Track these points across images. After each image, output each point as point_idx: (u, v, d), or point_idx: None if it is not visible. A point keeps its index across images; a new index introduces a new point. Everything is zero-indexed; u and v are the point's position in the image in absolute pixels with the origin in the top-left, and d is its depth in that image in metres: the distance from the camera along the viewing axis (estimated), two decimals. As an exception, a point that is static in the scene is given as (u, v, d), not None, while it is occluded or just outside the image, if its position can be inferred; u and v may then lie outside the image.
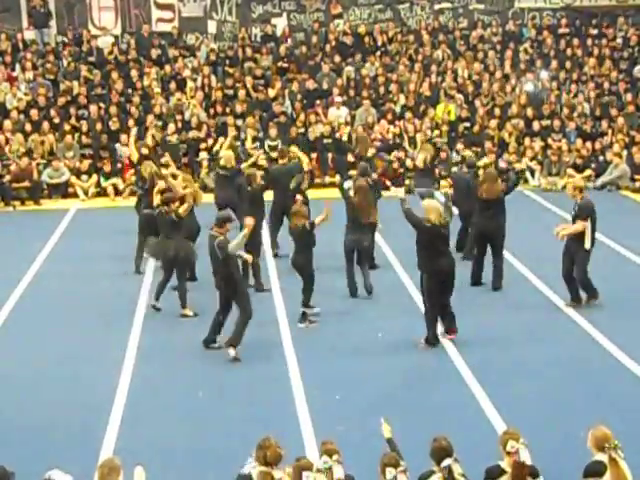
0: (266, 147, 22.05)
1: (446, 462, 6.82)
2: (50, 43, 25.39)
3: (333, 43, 25.89)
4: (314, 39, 26.02)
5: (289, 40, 26.09)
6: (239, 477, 7.01)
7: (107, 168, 21.50)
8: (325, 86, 24.30)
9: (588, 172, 21.82)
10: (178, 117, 22.73)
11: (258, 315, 12.25)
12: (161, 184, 14.42)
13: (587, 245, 13.10)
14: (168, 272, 13.73)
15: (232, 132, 21.10)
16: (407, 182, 20.39)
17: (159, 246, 13.97)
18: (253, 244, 13.64)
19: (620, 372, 11.33)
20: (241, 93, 23.71)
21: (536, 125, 23.05)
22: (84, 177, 21.43)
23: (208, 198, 16.62)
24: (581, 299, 13.53)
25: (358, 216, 14.15)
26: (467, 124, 23.28)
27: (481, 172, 15.95)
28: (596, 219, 13.26)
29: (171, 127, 22.10)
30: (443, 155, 21.32)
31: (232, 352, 11.80)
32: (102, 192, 21.37)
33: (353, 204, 14.16)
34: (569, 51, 25.94)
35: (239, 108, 23.28)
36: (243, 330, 11.85)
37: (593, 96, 24.35)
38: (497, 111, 23.47)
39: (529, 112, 23.39)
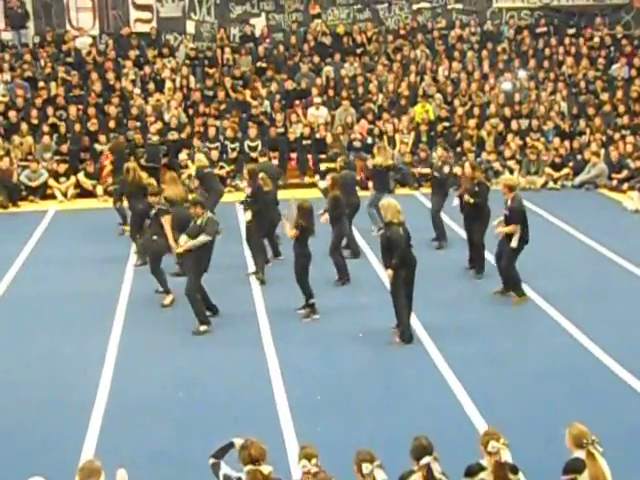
0: (246, 148, 22.07)
1: (425, 460, 6.82)
2: (28, 44, 25.25)
3: (312, 43, 25.91)
4: (293, 39, 26.03)
5: (268, 40, 26.09)
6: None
7: (90, 169, 21.39)
8: (304, 86, 24.31)
9: (566, 171, 21.96)
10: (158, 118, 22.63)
11: (238, 310, 12.52)
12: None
13: (513, 244, 13.67)
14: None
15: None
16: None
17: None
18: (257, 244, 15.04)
19: (601, 371, 11.38)
20: (220, 94, 23.69)
21: (514, 124, 23.15)
22: (62, 179, 21.30)
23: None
24: (509, 289, 14.04)
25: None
26: (446, 124, 23.36)
27: None
28: (526, 220, 13.81)
29: (153, 127, 21.95)
30: (423, 155, 21.36)
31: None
32: (82, 193, 21.25)
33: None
34: (547, 50, 26.08)
35: (218, 109, 23.23)
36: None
37: (570, 95, 24.47)
38: (476, 111, 23.55)
39: (507, 111, 23.52)
